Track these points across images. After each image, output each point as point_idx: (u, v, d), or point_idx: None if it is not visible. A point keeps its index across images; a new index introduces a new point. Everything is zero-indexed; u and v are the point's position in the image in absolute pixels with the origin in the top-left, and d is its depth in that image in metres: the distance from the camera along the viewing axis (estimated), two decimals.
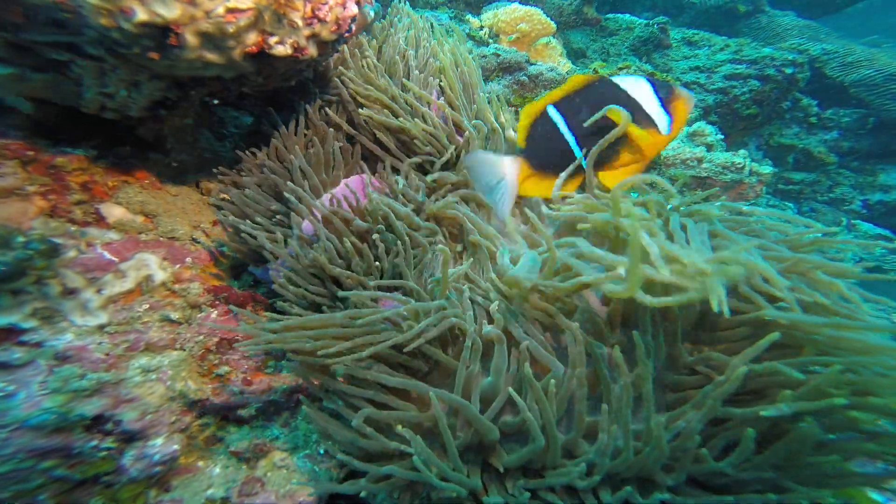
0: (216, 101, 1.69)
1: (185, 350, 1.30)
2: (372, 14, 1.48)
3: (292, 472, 1.33)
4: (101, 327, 1.18)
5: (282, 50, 1.18)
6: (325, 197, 1.39)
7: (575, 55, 4.72)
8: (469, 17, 3.45)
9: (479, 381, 1.09)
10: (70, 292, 1.14)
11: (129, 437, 1.10)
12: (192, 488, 1.20)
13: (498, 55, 2.49)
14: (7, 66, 1.12)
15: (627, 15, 6.35)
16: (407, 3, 1.87)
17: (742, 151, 3.70)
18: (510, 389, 0.99)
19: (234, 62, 1.16)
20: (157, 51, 1.04)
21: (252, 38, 1.12)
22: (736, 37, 5.86)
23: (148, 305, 1.28)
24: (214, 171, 1.52)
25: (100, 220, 1.33)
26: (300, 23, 1.17)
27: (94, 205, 1.34)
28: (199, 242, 1.46)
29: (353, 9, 1.25)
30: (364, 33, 1.71)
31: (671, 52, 6.48)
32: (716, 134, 4.12)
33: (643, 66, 2.84)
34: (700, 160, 2.86)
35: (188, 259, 1.39)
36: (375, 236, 1.27)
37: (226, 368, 1.35)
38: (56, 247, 1.11)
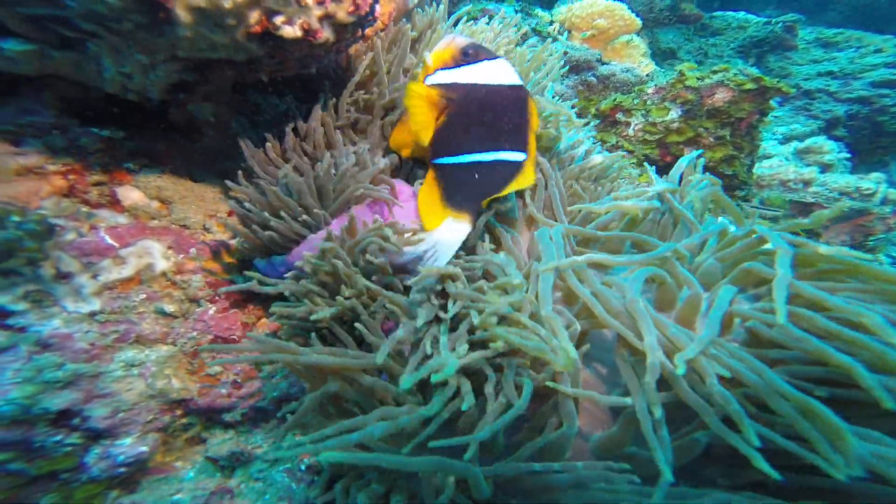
0: (251, 88, 1.63)
1: (175, 346, 1.25)
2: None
3: (268, 486, 1.23)
4: (92, 315, 1.15)
5: (290, 31, 1.06)
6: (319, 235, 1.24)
7: (662, 55, 4.26)
8: (538, 10, 3.17)
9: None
10: (63, 276, 1.12)
11: (96, 435, 1.05)
12: (159, 492, 1.14)
13: (566, 52, 2.23)
14: (27, 43, 1.11)
15: (742, 13, 5.65)
16: None
17: (876, 175, 3.10)
18: None
19: (240, 43, 1.06)
20: (150, 28, 0.97)
21: (255, 16, 1.01)
22: None
23: (145, 295, 1.24)
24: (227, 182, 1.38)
25: (114, 203, 1.31)
26: (310, 1, 1.04)
27: (111, 187, 1.32)
28: (210, 232, 1.41)
29: None
30: (404, 20, 1.57)
31: (794, 55, 5.67)
32: (838, 152, 3.51)
33: (748, 70, 2.43)
34: (808, 182, 2.39)
35: (192, 250, 1.33)
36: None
37: (217, 368, 1.28)
38: (51, 228, 1.08)
